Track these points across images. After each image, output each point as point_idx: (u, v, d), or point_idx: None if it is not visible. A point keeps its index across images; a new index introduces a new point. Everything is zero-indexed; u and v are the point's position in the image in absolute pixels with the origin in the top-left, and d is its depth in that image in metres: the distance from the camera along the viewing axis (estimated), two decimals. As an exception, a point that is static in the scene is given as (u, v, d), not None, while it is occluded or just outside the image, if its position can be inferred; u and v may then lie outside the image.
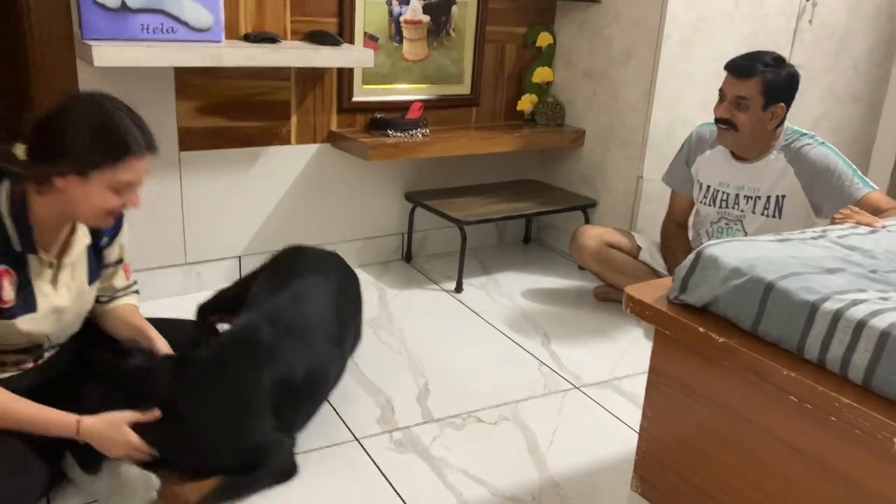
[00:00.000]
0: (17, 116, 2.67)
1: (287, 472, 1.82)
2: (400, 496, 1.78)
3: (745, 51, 2.44)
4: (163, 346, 1.87)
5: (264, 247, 2.94)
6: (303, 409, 1.96)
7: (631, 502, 1.80)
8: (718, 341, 1.48)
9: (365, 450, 1.94)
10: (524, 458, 1.96)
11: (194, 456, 1.72)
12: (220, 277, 2.87)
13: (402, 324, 2.65)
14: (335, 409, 2.11)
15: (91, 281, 1.82)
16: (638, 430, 1.81)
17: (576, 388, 2.32)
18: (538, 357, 2.50)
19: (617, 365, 2.47)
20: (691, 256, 1.62)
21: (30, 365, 1.80)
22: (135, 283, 1.99)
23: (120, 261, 1.93)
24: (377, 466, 1.88)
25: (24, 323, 1.66)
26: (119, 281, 1.94)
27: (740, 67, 2.35)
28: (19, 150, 1.60)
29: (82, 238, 1.75)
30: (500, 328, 2.69)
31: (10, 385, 1.69)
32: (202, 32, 2.42)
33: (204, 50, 2.37)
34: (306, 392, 1.93)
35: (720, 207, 2.56)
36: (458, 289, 3.00)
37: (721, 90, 2.41)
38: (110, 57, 2.20)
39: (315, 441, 1.96)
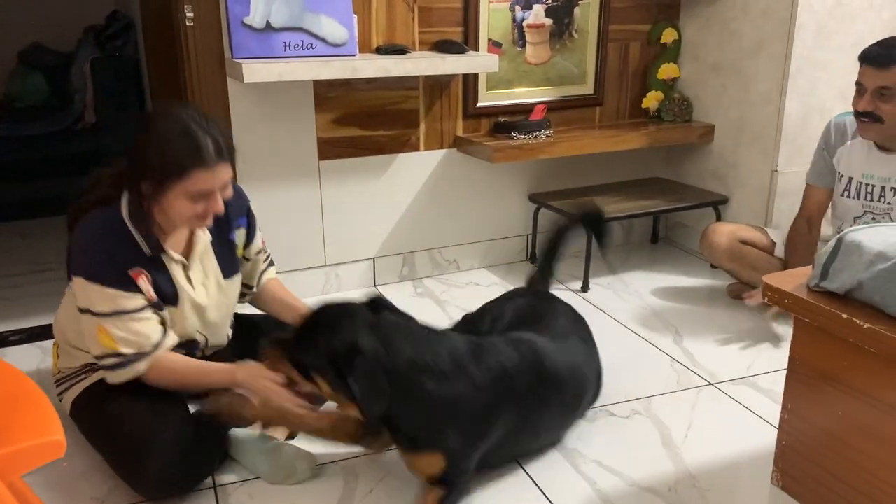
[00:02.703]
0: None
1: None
2: (535, 482, 1.83)
3: (887, 35, 2.33)
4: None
5: (396, 249, 3.08)
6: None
7: (771, 496, 1.76)
8: (864, 327, 1.44)
9: (499, 438, 2.00)
10: (658, 450, 1.96)
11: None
12: (357, 278, 3.04)
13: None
14: (469, 401, 2.19)
15: (228, 275, 1.96)
16: (777, 424, 1.78)
17: (710, 384, 2.28)
18: (670, 354, 2.47)
19: (753, 362, 2.41)
20: (832, 242, 1.58)
21: None
22: (269, 253, 2.14)
23: (261, 251, 2.09)
24: (511, 454, 1.94)
25: (171, 315, 1.82)
26: (261, 257, 2.09)
27: (880, 56, 2.23)
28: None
29: (202, 236, 1.89)
30: (629, 326, 2.68)
31: None
32: (338, 47, 2.59)
33: (341, 63, 2.52)
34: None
35: (865, 200, 2.45)
36: (585, 288, 3.01)
37: (859, 83, 2.30)
38: (258, 73, 2.39)
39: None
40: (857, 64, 2.31)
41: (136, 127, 1.73)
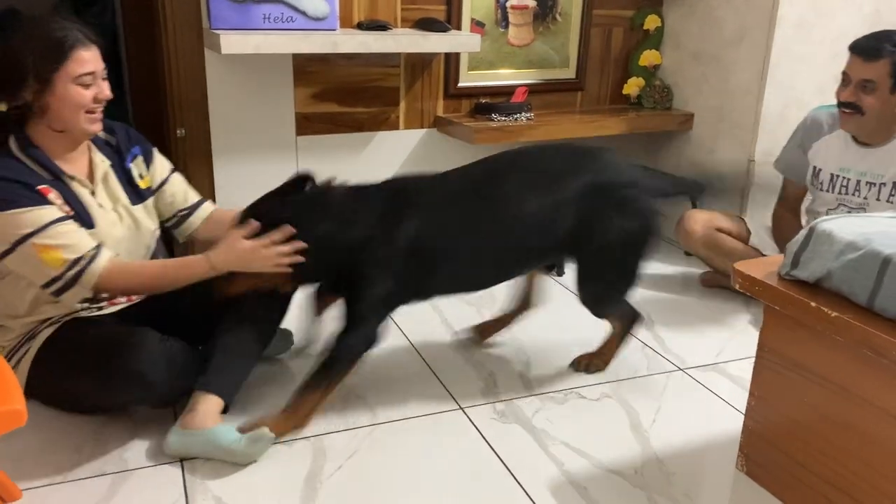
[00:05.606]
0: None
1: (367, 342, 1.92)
2: (503, 463, 1.83)
3: (866, 31, 2.34)
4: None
5: (373, 228, 3.06)
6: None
7: (735, 480, 1.79)
8: (831, 316, 1.46)
9: (469, 418, 2.01)
10: (626, 433, 1.97)
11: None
12: (332, 256, 3.01)
13: (504, 303, 2.70)
14: (440, 379, 2.19)
15: (135, 202, 1.96)
16: (744, 410, 1.80)
17: (680, 370, 2.30)
18: (641, 339, 2.49)
19: (723, 349, 2.43)
20: (804, 231, 1.60)
21: (122, 300, 1.97)
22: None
23: (168, 177, 2.07)
24: (481, 434, 1.94)
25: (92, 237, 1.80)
26: (192, 195, 2.12)
27: (867, 49, 2.23)
28: (2, 106, 1.77)
29: (100, 162, 1.90)
30: (603, 311, 2.69)
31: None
32: (319, 21, 2.55)
33: (320, 38, 2.49)
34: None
35: (839, 194, 2.46)
36: (560, 272, 3.01)
37: (845, 73, 2.30)
38: (236, 45, 2.35)
39: (421, 408, 2.04)
40: (837, 57, 2.32)
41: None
